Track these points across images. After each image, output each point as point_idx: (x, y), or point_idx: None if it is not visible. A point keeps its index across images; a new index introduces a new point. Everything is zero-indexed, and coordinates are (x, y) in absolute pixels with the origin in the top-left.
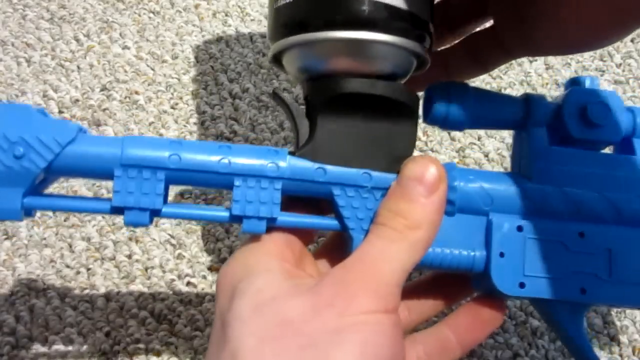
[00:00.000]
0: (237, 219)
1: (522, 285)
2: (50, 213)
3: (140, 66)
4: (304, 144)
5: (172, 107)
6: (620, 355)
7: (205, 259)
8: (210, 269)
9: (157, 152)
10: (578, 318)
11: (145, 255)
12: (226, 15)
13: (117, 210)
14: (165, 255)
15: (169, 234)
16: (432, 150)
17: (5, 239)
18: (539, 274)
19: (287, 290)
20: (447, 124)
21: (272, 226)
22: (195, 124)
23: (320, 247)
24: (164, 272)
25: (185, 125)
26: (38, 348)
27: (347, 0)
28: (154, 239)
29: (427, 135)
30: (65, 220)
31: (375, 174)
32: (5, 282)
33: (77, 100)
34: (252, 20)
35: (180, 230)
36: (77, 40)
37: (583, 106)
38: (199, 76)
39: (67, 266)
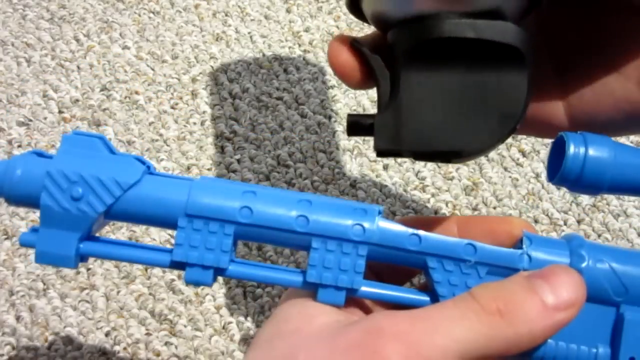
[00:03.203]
0: (311, 285)
1: None
2: None
3: (140, 66)
4: (385, 105)
5: (172, 107)
6: None
7: None
8: None
9: (227, 202)
10: None
11: None
12: (226, 15)
13: (177, 265)
14: None
15: (169, 234)
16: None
17: (5, 239)
18: None
19: (318, 326)
20: (581, 184)
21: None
22: (195, 124)
23: None
24: (164, 272)
25: (185, 125)
26: (38, 348)
27: None
28: (154, 239)
29: None
30: None
31: (480, 246)
32: (5, 282)
33: (77, 100)
34: (252, 20)
35: None
36: (77, 40)
37: None
38: (199, 76)
39: None
